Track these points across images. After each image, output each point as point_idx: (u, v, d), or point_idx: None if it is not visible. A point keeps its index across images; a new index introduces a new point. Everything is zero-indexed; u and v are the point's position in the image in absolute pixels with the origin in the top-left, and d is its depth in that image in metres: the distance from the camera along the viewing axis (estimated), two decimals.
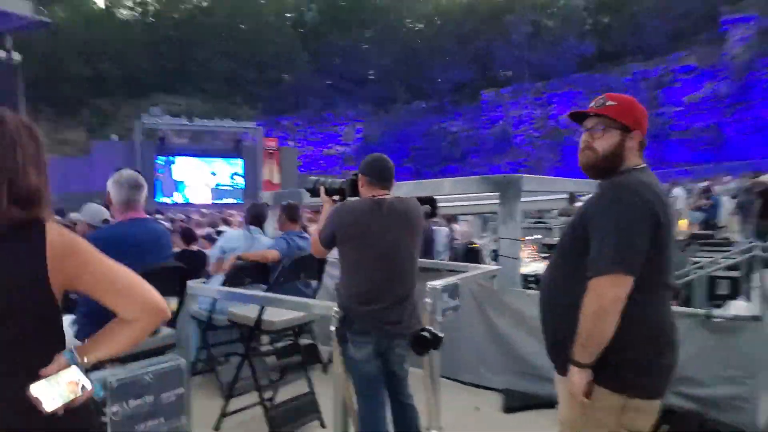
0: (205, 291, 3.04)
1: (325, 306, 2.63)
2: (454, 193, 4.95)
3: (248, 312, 3.20)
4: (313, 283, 3.87)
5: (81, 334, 2.58)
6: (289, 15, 43.88)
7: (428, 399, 2.84)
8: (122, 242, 2.63)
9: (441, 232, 5.59)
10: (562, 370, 1.76)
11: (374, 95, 40.35)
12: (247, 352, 3.14)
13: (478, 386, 4.08)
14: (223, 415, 3.27)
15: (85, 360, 1.29)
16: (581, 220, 1.76)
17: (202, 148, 28.67)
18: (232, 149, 28.75)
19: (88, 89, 34.88)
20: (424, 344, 2.51)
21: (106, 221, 3.56)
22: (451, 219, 11.46)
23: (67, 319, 2.68)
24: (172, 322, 2.98)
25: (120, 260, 2.65)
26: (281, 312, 3.21)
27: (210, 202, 26.39)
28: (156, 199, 25.73)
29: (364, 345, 2.48)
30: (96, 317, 2.62)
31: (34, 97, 32.75)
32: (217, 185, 28.15)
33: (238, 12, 41.54)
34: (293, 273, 3.34)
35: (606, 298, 1.61)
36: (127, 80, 36.56)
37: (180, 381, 1.96)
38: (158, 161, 27.20)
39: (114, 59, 36.34)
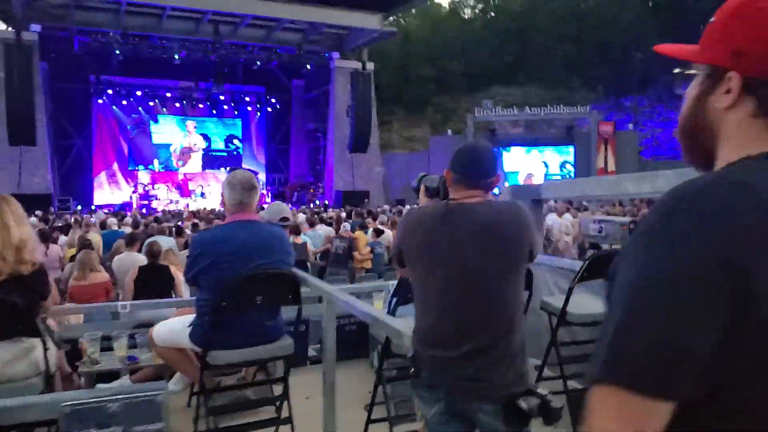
0: (325, 293, 2.75)
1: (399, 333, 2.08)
2: None
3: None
4: None
5: (193, 336, 2.62)
6: None
7: None
8: (224, 244, 2.57)
9: None
10: None
11: None
12: (377, 376, 2.76)
13: None
14: None
15: None
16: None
17: (533, 137, 28.50)
18: (563, 137, 27.85)
19: (433, 88, 38.30)
20: (521, 415, 1.75)
21: (284, 219, 3.60)
22: None
23: (188, 319, 2.76)
24: (290, 331, 2.81)
25: (220, 261, 2.63)
26: None
27: None
28: None
29: (431, 401, 1.85)
30: (203, 320, 2.65)
31: (388, 100, 37.68)
32: (547, 175, 27.62)
33: None
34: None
35: (592, 428, 0.74)
36: (468, 76, 38.82)
37: (157, 415, 1.74)
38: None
39: (456, 58, 39.04)
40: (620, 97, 36.27)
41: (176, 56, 21.15)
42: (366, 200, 23.09)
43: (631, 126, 30.97)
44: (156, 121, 24.23)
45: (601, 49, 37.91)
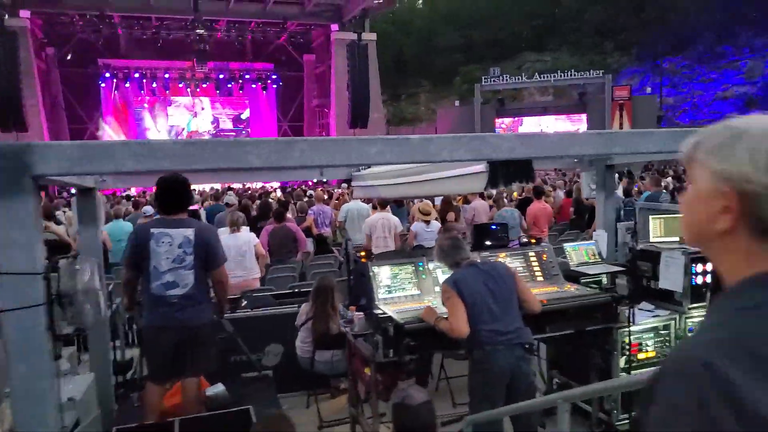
0: None
1: None
2: None
3: None
4: None
5: None
6: None
7: None
8: None
9: None
10: None
11: None
12: None
13: None
14: None
15: None
16: None
17: (544, 105, 25.48)
18: (575, 104, 24.63)
19: (460, 58, 35.33)
20: None
21: None
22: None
23: None
24: None
25: None
26: None
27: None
28: None
29: None
30: None
31: (413, 72, 35.20)
32: None
33: None
34: None
35: None
36: (496, 44, 35.51)
37: None
38: (500, 122, 25.52)
39: (483, 25, 35.75)
40: (657, 60, 31.82)
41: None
42: None
43: (648, 90, 26.98)
44: (169, 104, 23.48)
45: (637, 11, 33.43)
